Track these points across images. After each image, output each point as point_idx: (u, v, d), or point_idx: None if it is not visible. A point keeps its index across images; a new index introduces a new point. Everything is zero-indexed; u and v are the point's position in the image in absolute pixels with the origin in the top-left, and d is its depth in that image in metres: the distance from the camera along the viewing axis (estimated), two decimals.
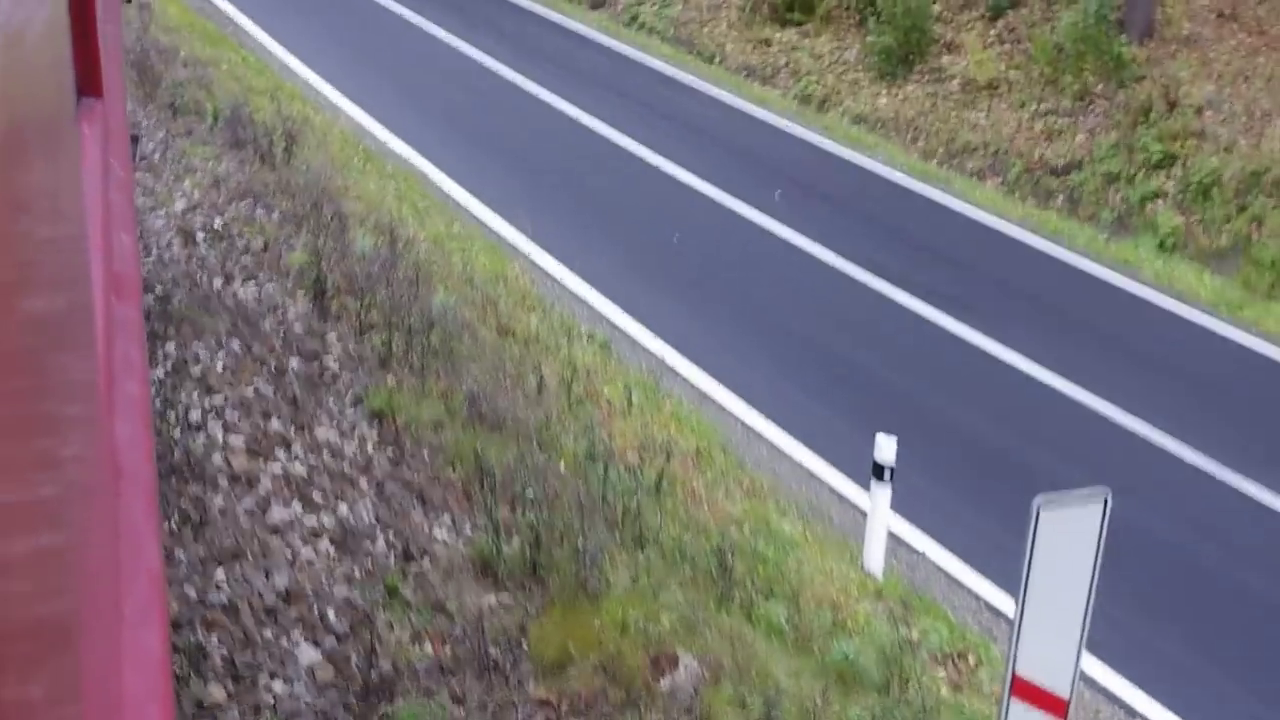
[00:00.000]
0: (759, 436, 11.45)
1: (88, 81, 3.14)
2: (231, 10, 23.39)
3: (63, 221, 1.38)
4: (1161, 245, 17.51)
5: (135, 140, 12.19)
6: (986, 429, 12.00)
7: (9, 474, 0.81)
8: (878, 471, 9.57)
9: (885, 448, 9.53)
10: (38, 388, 1.05)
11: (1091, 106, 20.53)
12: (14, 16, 1.05)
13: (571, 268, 13.75)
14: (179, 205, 11.34)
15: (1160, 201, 18.37)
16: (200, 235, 10.81)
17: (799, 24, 25.73)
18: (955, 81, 22.48)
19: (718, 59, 25.72)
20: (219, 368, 8.38)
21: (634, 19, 28.10)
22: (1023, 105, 21.25)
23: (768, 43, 25.72)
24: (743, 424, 11.56)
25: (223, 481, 7.03)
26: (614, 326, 12.82)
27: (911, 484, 10.17)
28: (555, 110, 20.08)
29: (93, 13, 3.31)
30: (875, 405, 11.91)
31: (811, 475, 11.04)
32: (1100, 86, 20.56)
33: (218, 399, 7.95)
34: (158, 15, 19.47)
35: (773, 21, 26.12)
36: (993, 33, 23.26)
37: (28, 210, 1.07)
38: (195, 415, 7.65)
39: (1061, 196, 19.34)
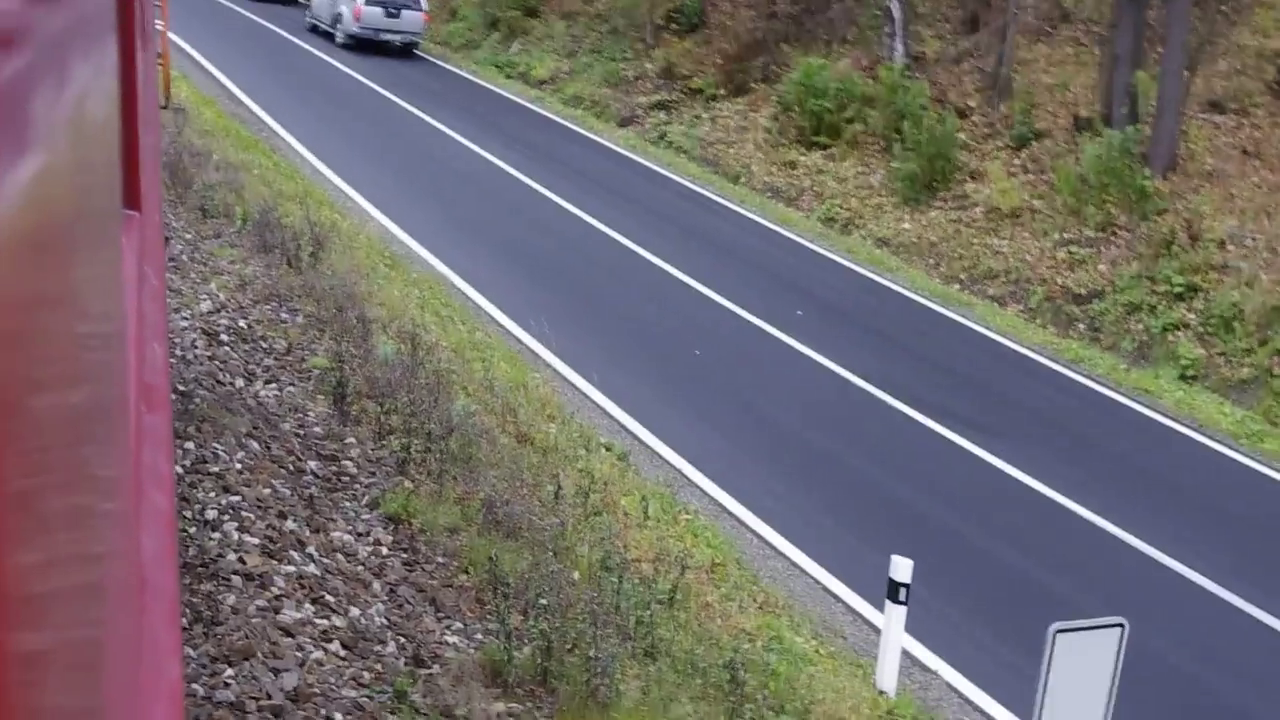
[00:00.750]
0: (775, 551, 11.39)
1: (128, 194, 3.15)
2: (265, 115, 23.72)
3: (100, 328, 1.39)
4: (1183, 375, 17.53)
5: (165, 241, 12.33)
6: (1003, 551, 11.94)
7: (43, 566, 0.81)
8: (893, 591, 9.51)
9: (901, 568, 9.48)
10: (71, 481, 1.06)
11: (1114, 237, 20.65)
12: (71, 124, 1.07)
13: (590, 379, 13.78)
14: (204, 306, 11.43)
15: (1182, 332, 18.41)
16: (224, 336, 10.89)
17: (824, 148, 26.02)
18: (979, 209, 22.66)
19: (743, 179, 26.00)
20: (237, 467, 8.39)
21: (662, 137, 28.45)
22: (1045, 234, 21.39)
23: (793, 165, 25.99)
24: (758, 538, 11.51)
25: (236, 580, 7.01)
26: (633, 437, 12.82)
27: (926, 603, 10.11)
28: (581, 221, 20.26)
29: (135, 125, 3.33)
30: (892, 524, 11.87)
31: (826, 592, 10.97)
32: (1123, 218, 20.69)
33: (235, 498, 7.96)
34: (194, 118, 19.76)
35: (798, 144, 26.42)
36: (1017, 162, 23.48)
37: (68, 311, 1.09)
38: (212, 513, 7.66)
39: (1083, 324, 19.39)
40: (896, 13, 27.06)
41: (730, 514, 11.78)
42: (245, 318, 11.54)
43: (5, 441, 0.65)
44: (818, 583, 11.08)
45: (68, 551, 0.97)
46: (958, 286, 20.91)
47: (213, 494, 7.96)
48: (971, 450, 13.78)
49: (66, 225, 1.01)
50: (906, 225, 23.07)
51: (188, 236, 13.52)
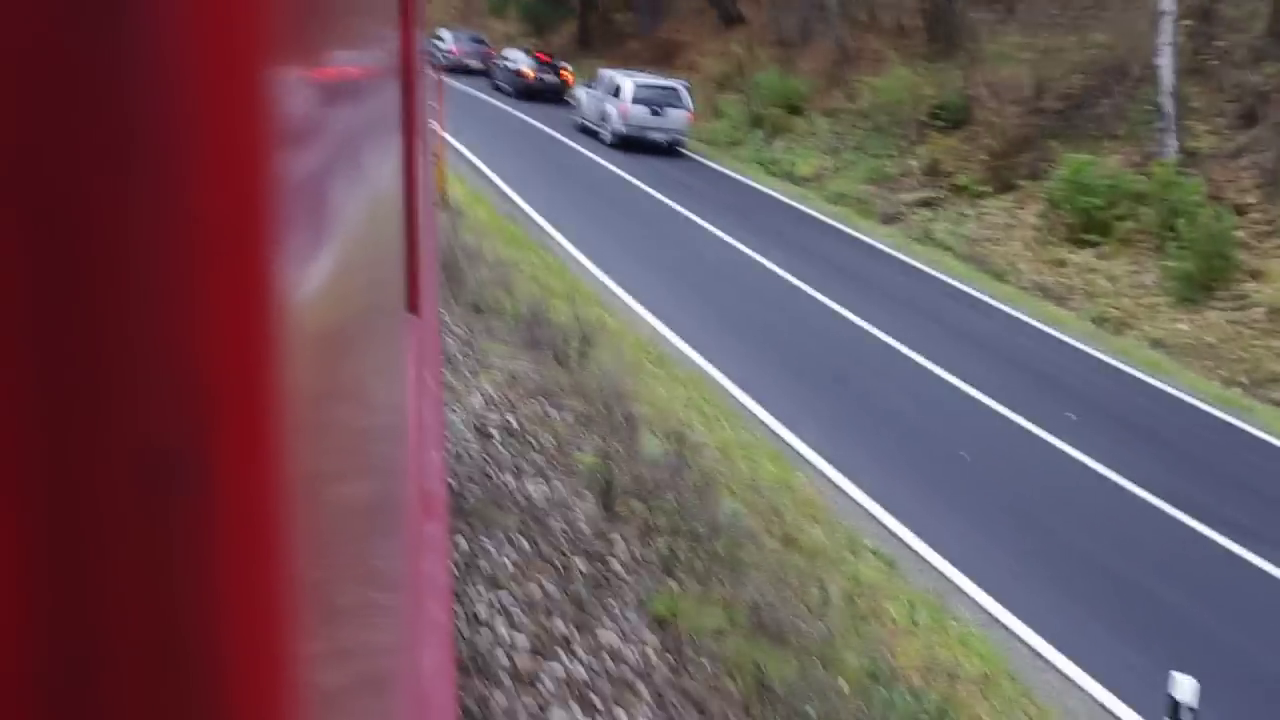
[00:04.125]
0: (1049, 665, 10.98)
1: (408, 299, 3.22)
2: (533, 212, 24.26)
3: (386, 423, 1.40)
4: None
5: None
6: None
7: (331, 657, 0.80)
8: (1173, 711, 9.05)
9: (1184, 687, 9.02)
10: (359, 575, 1.04)
11: None
12: (360, 222, 1.07)
13: (857, 482, 13.57)
14: (476, 401, 11.63)
15: None
16: (495, 432, 11.04)
17: (1094, 245, 25.46)
18: (1260, 309, 21.82)
19: (1010, 277, 25.56)
20: (507, 564, 8.46)
21: (926, 234, 28.21)
22: None
23: (1062, 263, 25.47)
24: (1032, 651, 11.12)
25: (505, 679, 7.02)
26: (901, 543, 12.55)
27: None
28: (844, 320, 20.12)
29: (415, 227, 3.39)
30: (1174, 641, 11.35)
31: (1104, 710, 10.52)
32: None
33: (504, 595, 8.00)
34: (466, 216, 20.31)
35: (1067, 242, 25.91)
36: None
37: (357, 405, 1.07)
38: (482, 610, 7.71)
39: None
40: (1169, 107, 26.38)
41: (1002, 624, 11.41)
42: (515, 414, 11.70)
43: (299, 532, 0.63)
44: (1094, 698, 10.63)
45: (354, 643, 0.96)
46: (1238, 390, 20.09)
47: (483, 590, 8.02)
48: (1257, 563, 13.14)
49: (357, 322, 1.00)
50: (1182, 326, 22.32)
51: (459, 332, 13.81)
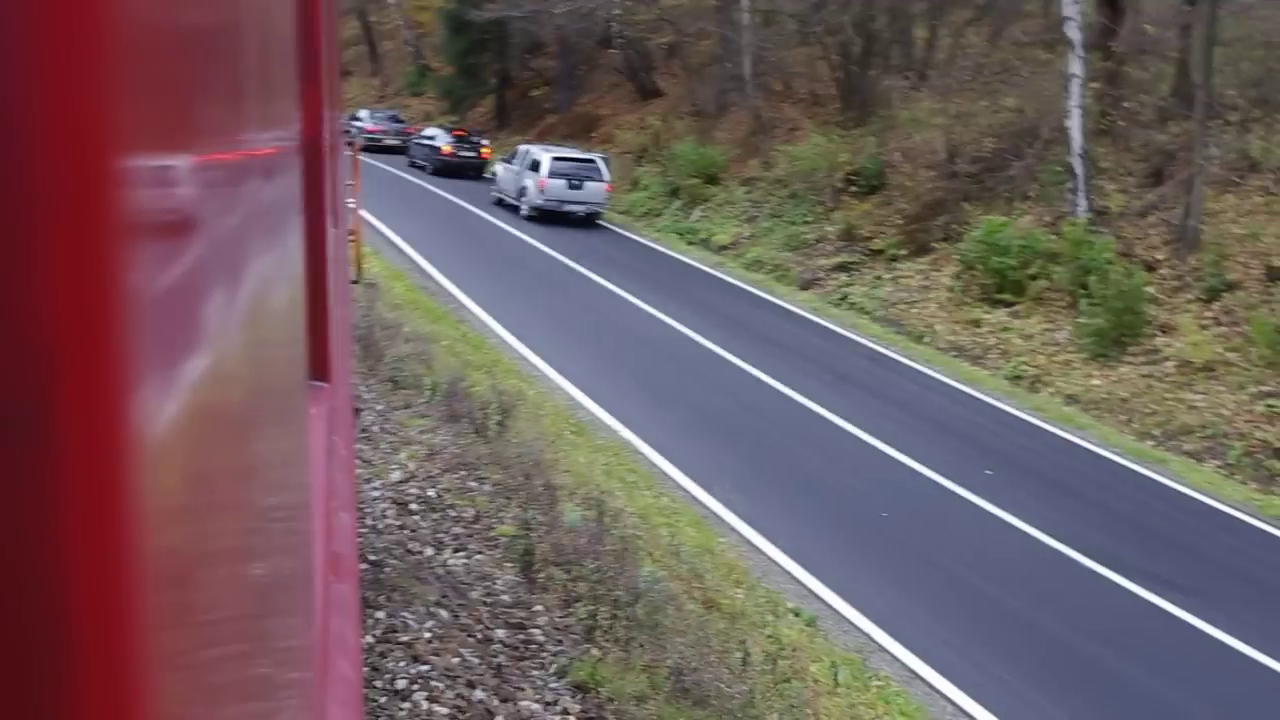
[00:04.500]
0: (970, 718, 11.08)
1: (317, 366, 3.25)
2: (452, 287, 24.30)
3: (290, 497, 1.43)
4: None
5: (357, 413, 12.63)
6: None
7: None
8: None
9: None
10: (255, 652, 1.08)
11: None
12: (256, 301, 1.11)
13: (777, 544, 13.66)
14: (395, 476, 11.63)
15: None
16: (414, 505, 11.05)
17: (1009, 305, 25.80)
18: (1170, 363, 22.18)
19: (927, 338, 25.85)
20: (426, 636, 8.45)
21: (844, 298, 28.49)
22: (1242, 386, 20.83)
23: (977, 323, 25.79)
24: (954, 707, 11.20)
25: None
26: (822, 602, 12.63)
27: None
28: (763, 384, 20.26)
29: (324, 300, 3.44)
30: (1088, 687, 11.47)
31: None
32: None
33: (424, 667, 8.00)
34: (384, 292, 20.31)
35: (983, 302, 26.24)
36: (1208, 315, 22.98)
37: (258, 482, 1.12)
38: (401, 683, 7.70)
39: None
40: (1078, 168, 26.88)
41: (922, 679, 11.50)
42: (434, 486, 11.71)
43: (178, 615, 0.66)
44: None
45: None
46: (1151, 443, 20.38)
47: (402, 663, 8.02)
48: (1176, 614, 13.31)
49: (249, 401, 1.03)
50: (1096, 381, 22.64)
51: (379, 407, 13.82)
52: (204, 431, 0.76)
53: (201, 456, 0.75)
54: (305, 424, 2.10)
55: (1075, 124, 27.13)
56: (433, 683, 7.84)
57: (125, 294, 0.55)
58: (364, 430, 12.65)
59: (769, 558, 13.48)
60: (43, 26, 0.51)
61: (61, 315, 0.52)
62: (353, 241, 19.08)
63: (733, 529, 14.05)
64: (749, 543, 13.79)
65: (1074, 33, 27.64)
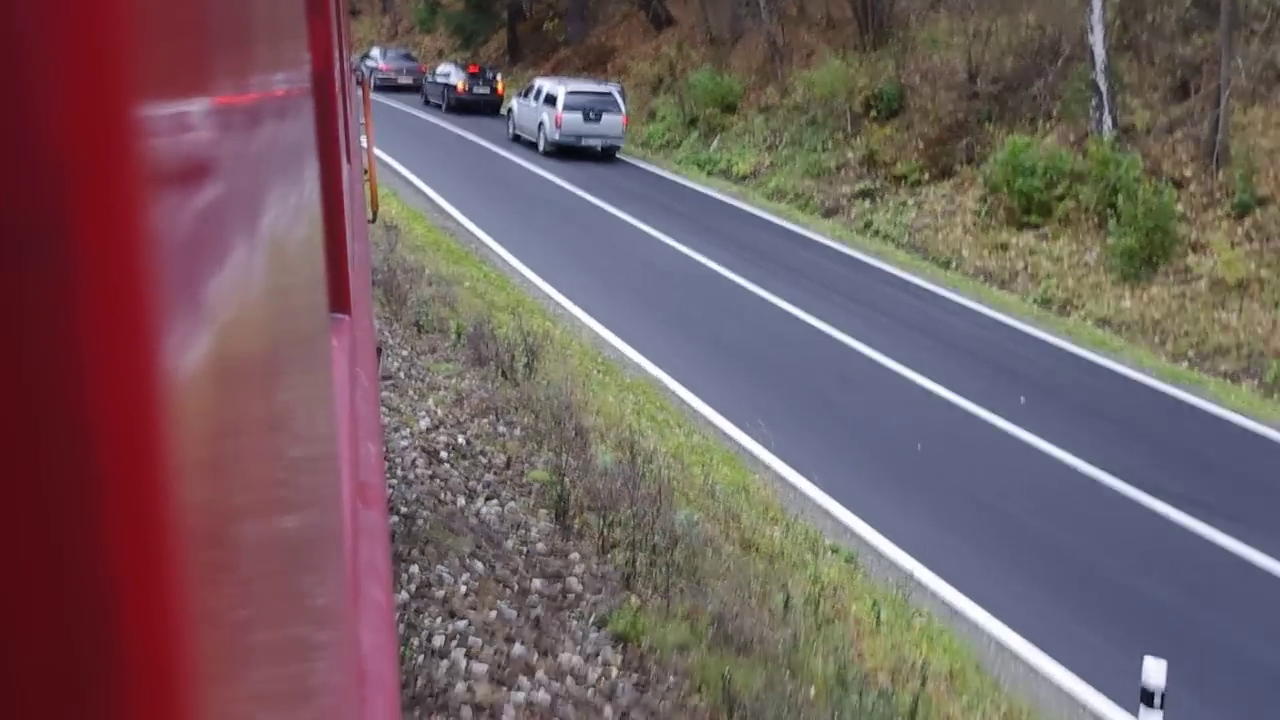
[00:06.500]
0: (1014, 655, 10.89)
1: (337, 299, 3.38)
2: (473, 226, 24.08)
3: (316, 438, 1.47)
4: None
5: (379, 352, 12.42)
6: (1260, 646, 11.25)
7: (264, 701, 0.83)
8: (1147, 698, 8.96)
9: (1154, 672, 8.94)
10: (288, 611, 1.06)
11: None
12: (274, 235, 1.12)
13: (812, 479, 13.45)
14: (423, 424, 11.44)
15: None
16: (444, 453, 10.86)
17: (1036, 227, 25.46)
18: (1203, 281, 21.86)
19: (954, 264, 25.56)
20: (462, 590, 8.28)
21: (867, 225, 28.20)
22: (1277, 304, 20.51)
23: (1005, 247, 25.47)
24: (997, 642, 11.03)
25: (466, 712, 6.85)
26: (859, 539, 12.44)
27: (1182, 707, 9.51)
28: (790, 316, 20.03)
29: (343, 234, 3.56)
30: (1137, 622, 11.28)
31: (1072, 699, 10.43)
32: None
33: (461, 624, 7.83)
34: (405, 235, 20.09)
35: (1009, 225, 25.90)
36: (1240, 231, 22.62)
37: (284, 427, 1.14)
38: (439, 640, 7.53)
39: None
40: (1102, 84, 26.42)
41: (965, 616, 11.32)
42: (464, 433, 11.52)
43: (214, 572, 0.66)
44: (1062, 688, 10.54)
45: (286, 686, 0.99)
46: (1186, 364, 20.13)
47: (439, 620, 7.85)
48: (1215, 539, 13.10)
49: (273, 330, 1.05)
50: (1127, 303, 22.34)
51: (404, 353, 13.62)
52: (233, 357, 0.78)
53: (231, 377, 0.77)
54: (329, 352, 2.19)
55: (1098, 39, 26.63)
56: (471, 639, 7.67)
57: (150, 235, 0.54)
58: (389, 377, 12.45)
59: (803, 493, 13.29)
60: None
61: (91, 260, 0.50)
62: (368, 182, 18.82)
63: (766, 465, 13.86)
64: (783, 479, 13.60)
65: None
